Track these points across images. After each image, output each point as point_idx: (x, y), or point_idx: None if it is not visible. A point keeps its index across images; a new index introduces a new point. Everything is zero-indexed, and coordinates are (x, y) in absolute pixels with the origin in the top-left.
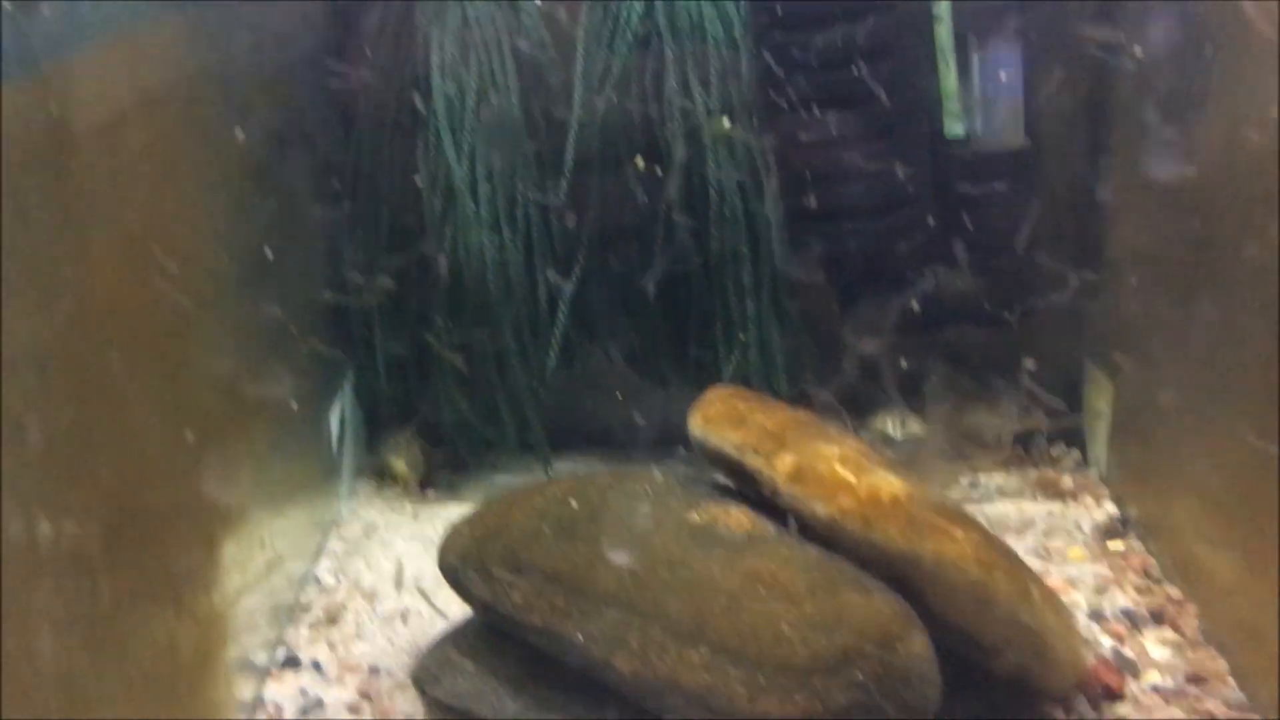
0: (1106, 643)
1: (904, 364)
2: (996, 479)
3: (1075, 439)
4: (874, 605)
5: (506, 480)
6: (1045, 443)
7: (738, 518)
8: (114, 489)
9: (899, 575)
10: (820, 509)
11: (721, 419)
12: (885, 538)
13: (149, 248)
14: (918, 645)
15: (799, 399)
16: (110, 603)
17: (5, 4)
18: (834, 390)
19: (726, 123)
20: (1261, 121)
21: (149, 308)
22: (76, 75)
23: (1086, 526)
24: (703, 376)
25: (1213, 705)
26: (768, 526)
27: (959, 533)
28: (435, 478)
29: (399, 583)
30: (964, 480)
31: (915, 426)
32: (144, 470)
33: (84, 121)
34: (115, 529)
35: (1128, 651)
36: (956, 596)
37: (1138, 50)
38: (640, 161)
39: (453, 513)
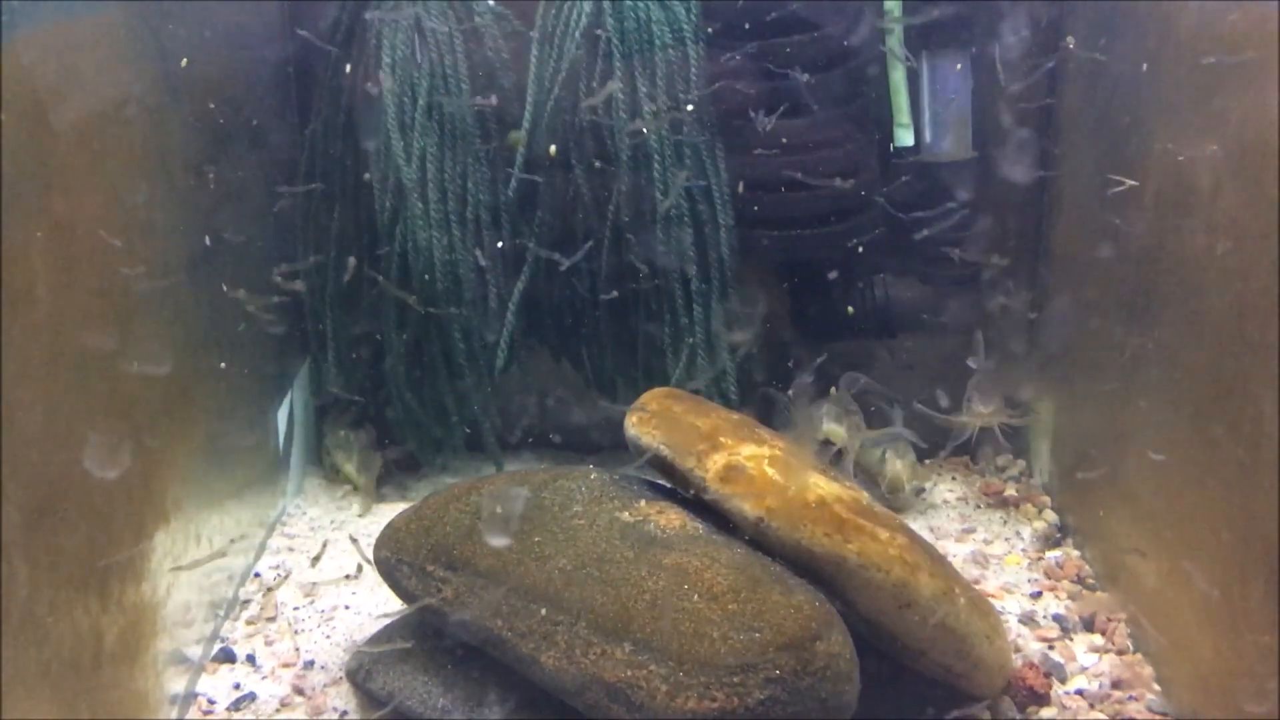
0: (1036, 647)
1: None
2: (943, 486)
3: (1020, 448)
4: (795, 604)
5: (457, 481)
6: (991, 451)
7: (669, 517)
8: (35, 476)
9: (824, 575)
10: (748, 509)
11: (656, 420)
12: (810, 538)
13: (80, 234)
14: (836, 644)
15: (757, 402)
16: (28, 589)
17: None
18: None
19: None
20: (1217, 139)
21: (77, 294)
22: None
23: (1026, 534)
24: (651, 379)
25: (1135, 710)
26: (698, 526)
27: (884, 534)
28: (385, 477)
29: (316, 561)
30: (910, 487)
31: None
32: (68, 459)
33: (13, 108)
34: (36, 516)
35: (1056, 656)
36: (879, 597)
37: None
38: (553, 150)
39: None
